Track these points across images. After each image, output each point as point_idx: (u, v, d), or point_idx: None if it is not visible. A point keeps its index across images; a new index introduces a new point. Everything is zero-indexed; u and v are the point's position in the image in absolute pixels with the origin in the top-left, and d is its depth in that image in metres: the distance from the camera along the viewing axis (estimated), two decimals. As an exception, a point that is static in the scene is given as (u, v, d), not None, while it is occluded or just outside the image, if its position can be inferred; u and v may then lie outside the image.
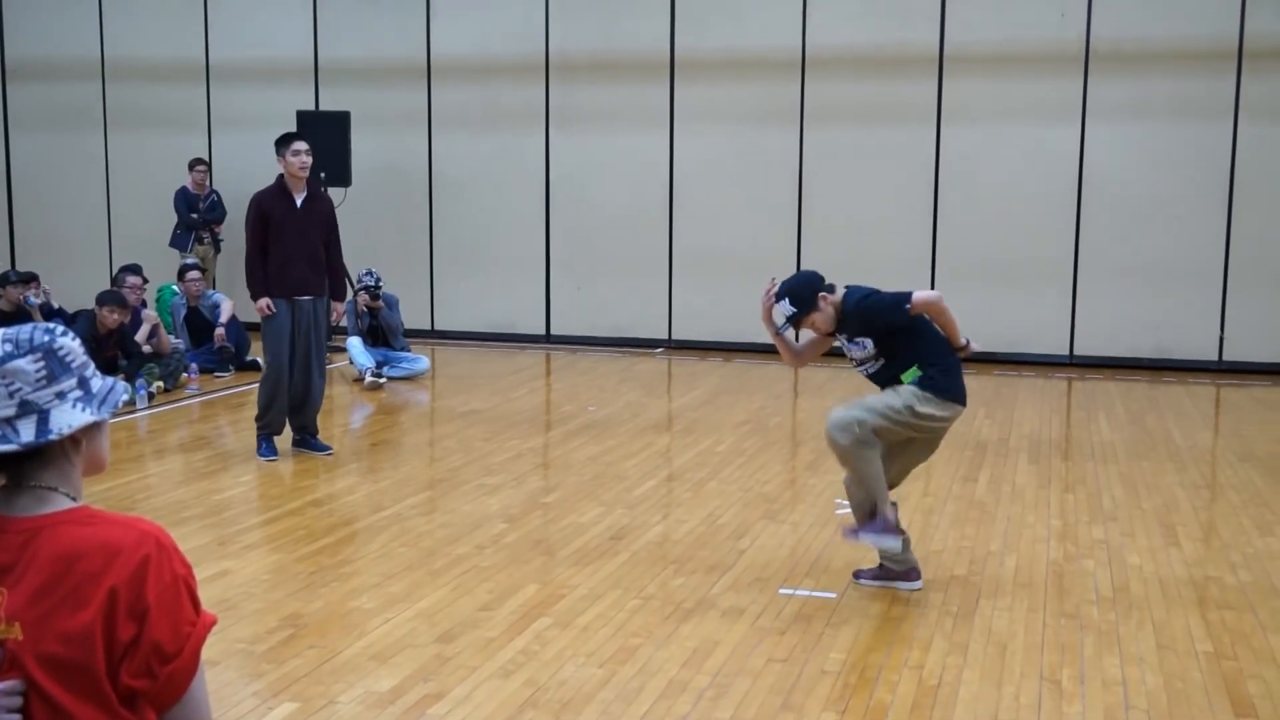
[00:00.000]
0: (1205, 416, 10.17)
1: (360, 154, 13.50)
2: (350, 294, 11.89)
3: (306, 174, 8.33)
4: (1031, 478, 7.95)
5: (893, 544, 5.69)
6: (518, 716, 4.42)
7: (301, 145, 8.30)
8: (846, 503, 6.94)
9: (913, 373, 5.63)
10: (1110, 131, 12.19)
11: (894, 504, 5.87)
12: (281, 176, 8.36)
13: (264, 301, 8.31)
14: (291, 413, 8.56)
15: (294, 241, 8.29)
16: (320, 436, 8.67)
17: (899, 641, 5.14)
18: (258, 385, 8.74)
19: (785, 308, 5.75)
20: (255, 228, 8.32)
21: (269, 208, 8.29)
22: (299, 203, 8.34)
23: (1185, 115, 11.99)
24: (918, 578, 5.81)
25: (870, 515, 5.71)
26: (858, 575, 5.89)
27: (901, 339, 5.68)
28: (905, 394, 5.61)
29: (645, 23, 13.27)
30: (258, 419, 8.53)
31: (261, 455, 8.41)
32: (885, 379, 5.74)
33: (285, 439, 8.59)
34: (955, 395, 5.68)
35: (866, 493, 5.70)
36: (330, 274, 8.59)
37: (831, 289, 5.77)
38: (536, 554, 6.32)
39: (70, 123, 15.22)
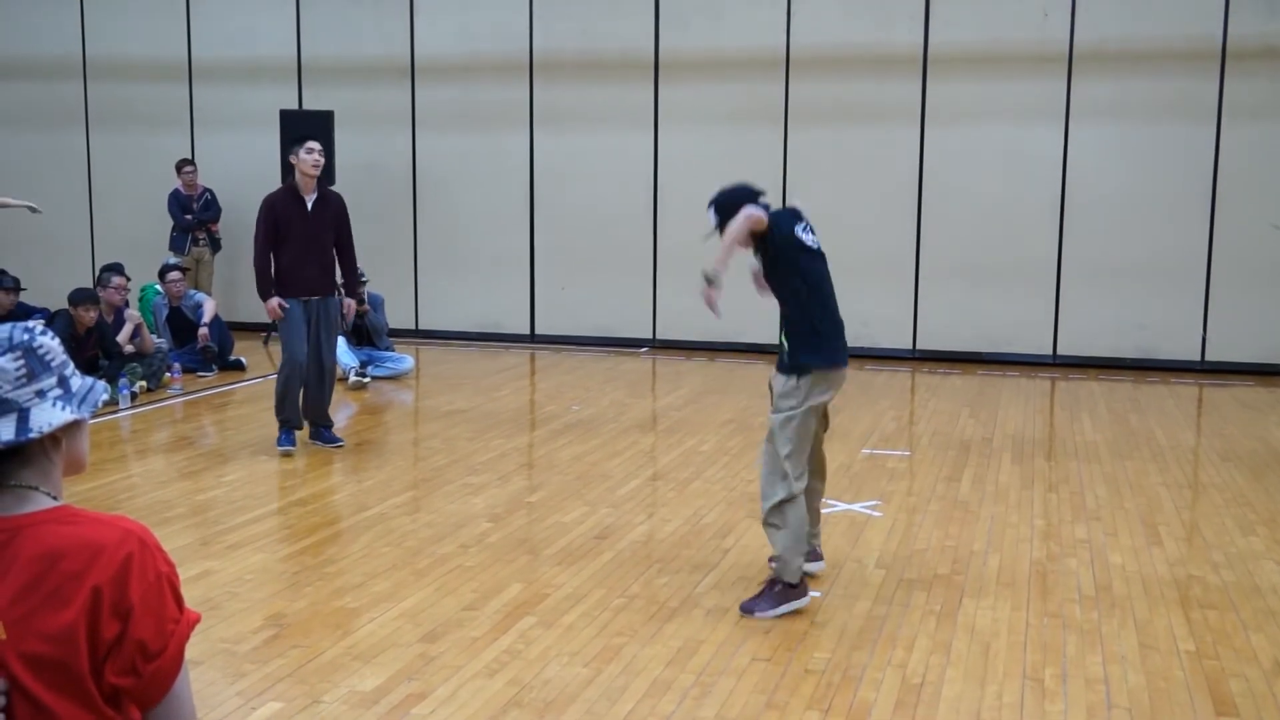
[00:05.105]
0: (1188, 416, 10.21)
1: (344, 153, 13.48)
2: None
3: (318, 173, 8.42)
4: (1015, 477, 7.97)
5: (803, 602, 5.39)
6: (502, 716, 4.41)
7: (314, 144, 8.43)
8: (833, 502, 6.96)
9: (782, 345, 5.53)
10: (1093, 132, 12.23)
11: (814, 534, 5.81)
12: (294, 177, 8.45)
13: (274, 302, 8.42)
14: (303, 407, 8.67)
15: (303, 243, 8.40)
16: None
17: (882, 640, 5.15)
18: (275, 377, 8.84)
19: (711, 217, 5.58)
20: (264, 228, 8.41)
21: (279, 209, 8.39)
22: (309, 204, 8.42)
23: (1168, 116, 12.03)
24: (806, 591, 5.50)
25: (771, 582, 5.38)
26: (747, 609, 5.38)
27: (775, 277, 5.52)
28: (780, 383, 5.48)
29: (628, 22, 13.26)
30: (276, 412, 8.65)
31: (279, 445, 8.55)
32: (783, 324, 5.60)
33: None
34: (822, 364, 5.46)
35: (791, 549, 5.37)
36: (344, 272, 8.74)
37: (760, 205, 5.51)
38: (521, 553, 6.31)
39: (52, 121, 15.15)
